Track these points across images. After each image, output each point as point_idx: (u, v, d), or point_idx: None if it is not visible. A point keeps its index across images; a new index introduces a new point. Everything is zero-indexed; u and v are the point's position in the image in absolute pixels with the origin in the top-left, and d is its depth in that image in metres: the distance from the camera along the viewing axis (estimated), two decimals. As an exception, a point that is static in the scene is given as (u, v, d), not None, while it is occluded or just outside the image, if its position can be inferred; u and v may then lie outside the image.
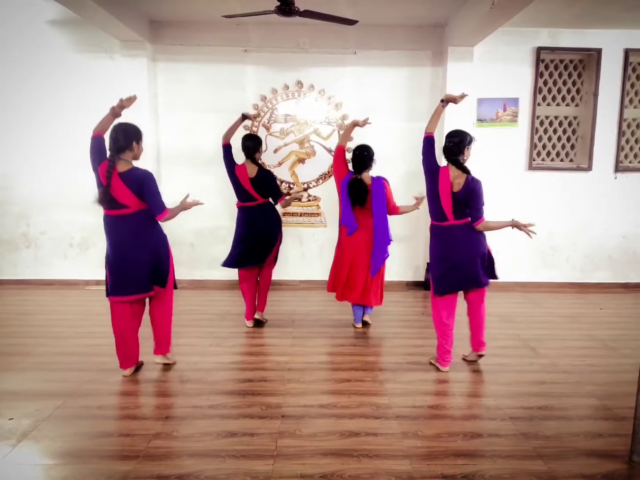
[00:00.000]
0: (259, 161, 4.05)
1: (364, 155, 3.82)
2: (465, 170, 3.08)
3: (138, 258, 2.96)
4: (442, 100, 3.27)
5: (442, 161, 3.30)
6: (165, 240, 3.11)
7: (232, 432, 2.44)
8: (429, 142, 3.20)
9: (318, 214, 5.57)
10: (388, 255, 3.93)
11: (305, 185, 5.50)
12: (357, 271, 3.92)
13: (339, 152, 3.99)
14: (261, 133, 5.38)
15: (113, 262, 3.00)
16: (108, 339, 3.75)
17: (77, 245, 5.56)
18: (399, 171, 5.34)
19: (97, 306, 4.77)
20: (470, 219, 3.07)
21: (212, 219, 5.36)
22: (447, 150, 3.15)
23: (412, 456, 2.27)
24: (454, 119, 5.20)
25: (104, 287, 5.33)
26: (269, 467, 2.16)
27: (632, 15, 4.84)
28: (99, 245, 5.54)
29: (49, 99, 5.30)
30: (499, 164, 5.39)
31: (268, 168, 4.60)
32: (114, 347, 3.60)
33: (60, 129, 5.33)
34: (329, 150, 5.46)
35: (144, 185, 2.89)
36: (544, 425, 2.57)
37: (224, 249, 5.52)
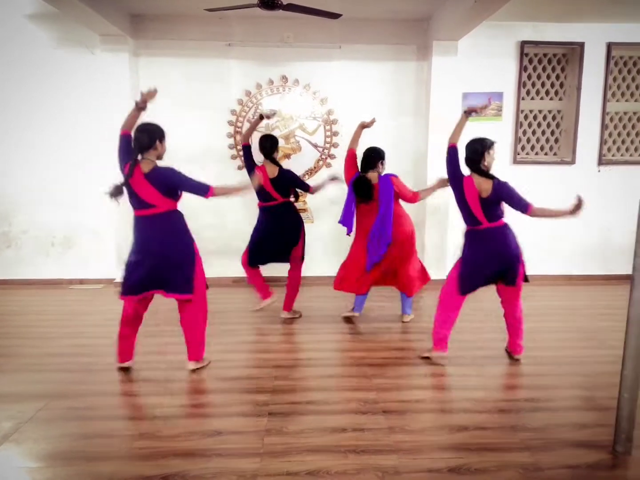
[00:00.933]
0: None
1: (369, 156, 3.87)
2: (490, 176, 3.09)
3: (158, 258, 2.92)
4: (464, 112, 3.27)
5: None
6: (191, 246, 3.03)
7: (218, 431, 2.42)
8: (452, 152, 3.22)
9: (305, 210, 5.55)
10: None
11: (292, 181, 5.47)
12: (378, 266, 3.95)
13: (350, 155, 3.99)
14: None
15: (132, 261, 2.96)
16: (92, 339, 3.73)
17: (59, 244, 5.48)
18: (386, 165, 5.32)
19: (82, 305, 4.72)
20: (519, 211, 3.09)
21: (196, 217, 5.25)
22: (467, 161, 3.16)
23: (399, 451, 2.26)
24: (439, 115, 5.22)
25: (88, 287, 5.34)
26: (255, 465, 2.15)
27: (614, 9, 4.88)
28: (82, 244, 5.47)
29: (27, 96, 5.19)
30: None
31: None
32: (99, 347, 3.58)
33: (41, 126, 5.24)
34: (315, 146, 5.44)
35: (174, 182, 2.89)
36: (531, 417, 2.58)
37: (210, 247, 5.50)
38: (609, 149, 5.68)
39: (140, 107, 2.96)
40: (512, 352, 3.36)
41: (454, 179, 3.19)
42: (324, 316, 4.32)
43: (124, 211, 5.19)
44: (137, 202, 2.90)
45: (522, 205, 3.04)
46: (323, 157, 5.48)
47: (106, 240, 5.42)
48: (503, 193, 3.04)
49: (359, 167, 3.95)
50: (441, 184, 3.77)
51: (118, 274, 5.39)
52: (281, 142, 5.37)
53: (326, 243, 5.53)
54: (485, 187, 3.05)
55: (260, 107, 5.33)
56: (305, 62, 5.29)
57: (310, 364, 3.32)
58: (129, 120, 2.95)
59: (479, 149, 3.10)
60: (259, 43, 5.20)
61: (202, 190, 2.89)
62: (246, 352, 3.55)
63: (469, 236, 3.23)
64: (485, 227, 3.11)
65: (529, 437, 2.38)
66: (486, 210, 3.07)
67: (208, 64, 5.24)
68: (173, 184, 2.90)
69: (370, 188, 3.83)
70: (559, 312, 4.50)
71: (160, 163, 2.96)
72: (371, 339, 3.80)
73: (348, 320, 4.21)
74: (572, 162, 5.54)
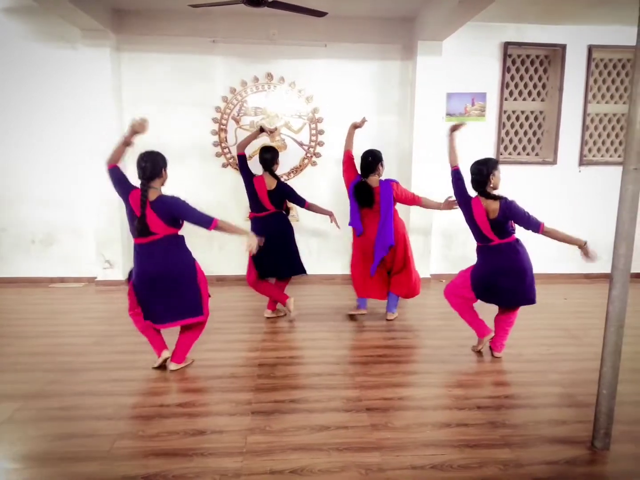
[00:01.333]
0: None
1: (368, 161, 3.89)
2: (497, 197, 3.09)
3: (164, 285, 2.91)
4: (450, 130, 3.37)
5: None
6: (193, 267, 3.02)
7: (200, 431, 2.40)
8: (456, 175, 3.28)
9: (290, 208, 5.52)
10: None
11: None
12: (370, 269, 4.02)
13: (347, 157, 4.01)
14: (230, 126, 5.31)
15: (140, 291, 2.96)
16: (72, 338, 3.68)
17: (39, 241, 5.38)
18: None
19: (62, 304, 4.65)
20: (531, 230, 3.08)
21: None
22: (472, 183, 3.18)
23: (382, 448, 2.27)
24: (423, 114, 5.25)
25: (69, 285, 5.26)
26: (238, 465, 2.13)
27: (594, 12, 4.96)
28: (63, 242, 5.38)
29: (4, 91, 5.08)
30: (467, 159, 5.44)
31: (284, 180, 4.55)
32: (78, 346, 3.53)
33: (18, 122, 5.13)
34: (300, 144, 5.43)
35: (179, 212, 2.88)
36: (511, 414, 2.61)
37: (193, 245, 5.43)
38: (589, 150, 5.77)
39: (127, 142, 2.89)
40: (494, 349, 3.40)
41: (462, 201, 3.22)
42: (307, 315, 4.31)
43: (104, 209, 5.15)
44: (143, 230, 2.87)
45: (532, 225, 3.03)
46: (308, 155, 5.47)
47: (87, 239, 5.35)
48: (511, 213, 3.04)
49: (359, 171, 3.96)
50: (448, 205, 3.78)
51: (99, 273, 5.32)
52: (266, 140, 5.36)
53: (310, 241, 5.53)
54: (493, 207, 3.06)
55: (246, 104, 5.30)
56: (290, 60, 5.28)
57: (294, 362, 3.32)
58: (115, 154, 2.90)
59: (484, 171, 3.10)
60: (244, 40, 5.16)
61: (206, 222, 2.87)
62: (229, 350, 3.52)
63: (481, 252, 3.26)
64: (496, 243, 3.14)
65: (509, 434, 2.40)
66: (496, 229, 3.10)
67: (192, 60, 5.19)
68: (178, 213, 2.88)
69: (371, 194, 3.87)
70: (539, 310, 4.54)
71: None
72: (354, 337, 3.81)
73: (338, 318, 4.22)
74: (554, 162, 5.62)
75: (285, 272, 4.15)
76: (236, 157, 4.09)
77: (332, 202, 5.19)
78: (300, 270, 4.16)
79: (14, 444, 2.30)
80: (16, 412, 2.57)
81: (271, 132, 4.34)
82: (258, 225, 4.02)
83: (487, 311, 3.43)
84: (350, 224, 4.05)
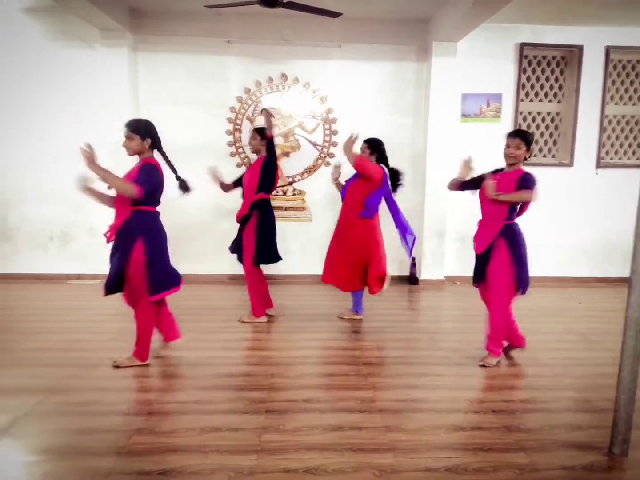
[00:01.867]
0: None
1: (384, 148, 3.96)
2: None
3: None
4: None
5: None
6: None
7: (216, 428, 2.42)
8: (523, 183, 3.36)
9: (303, 208, 5.55)
10: (415, 238, 4.04)
11: (290, 180, 5.48)
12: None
13: (363, 158, 3.87)
14: (245, 126, 5.34)
15: (164, 256, 3.10)
16: (89, 334, 3.72)
17: (57, 238, 5.45)
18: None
19: (78, 300, 4.71)
20: None
21: (194, 214, 5.28)
22: (528, 156, 3.34)
23: (395, 449, 2.27)
24: (438, 116, 5.23)
25: (85, 282, 5.32)
26: (252, 462, 2.14)
27: (611, 13, 4.90)
28: (80, 239, 5.45)
29: (25, 90, 5.17)
30: (482, 160, 5.41)
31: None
32: (95, 342, 3.57)
33: (39, 121, 5.22)
34: (314, 144, 5.44)
35: None
36: (526, 418, 2.59)
37: (206, 243, 5.50)
38: (607, 152, 5.70)
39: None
40: (519, 346, 3.34)
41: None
42: (319, 314, 4.32)
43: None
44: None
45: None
46: (322, 155, 5.48)
47: (103, 236, 5.39)
48: None
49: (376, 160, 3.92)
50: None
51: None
52: (280, 140, 5.39)
53: (322, 242, 5.52)
54: None
55: (260, 104, 5.32)
56: (304, 61, 5.29)
57: (307, 362, 3.32)
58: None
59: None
60: (259, 40, 5.19)
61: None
62: (242, 349, 3.54)
63: (516, 230, 3.26)
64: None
65: (524, 438, 2.38)
66: None
67: (207, 60, 5.23)
68: None
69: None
70: (555, 313, 4.52)
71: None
72: (367, 338, 3.80)
73: (345, 319, 4.22)
74: (570, 164, 5.57)
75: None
76: (266, 140, 3.85)
77: (345, 203, 5.19)
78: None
79: (34, 437, 2.34)
80: (36, 406, 2.61)
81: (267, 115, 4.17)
82: (269, 206, 4.01)
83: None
84: (372, 207, 3.90)
